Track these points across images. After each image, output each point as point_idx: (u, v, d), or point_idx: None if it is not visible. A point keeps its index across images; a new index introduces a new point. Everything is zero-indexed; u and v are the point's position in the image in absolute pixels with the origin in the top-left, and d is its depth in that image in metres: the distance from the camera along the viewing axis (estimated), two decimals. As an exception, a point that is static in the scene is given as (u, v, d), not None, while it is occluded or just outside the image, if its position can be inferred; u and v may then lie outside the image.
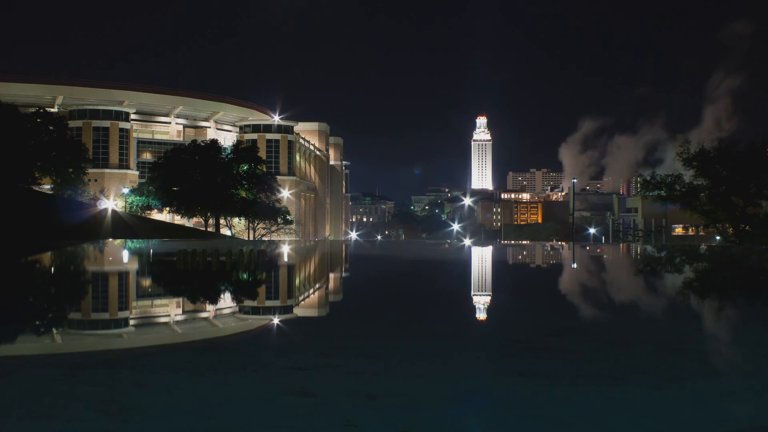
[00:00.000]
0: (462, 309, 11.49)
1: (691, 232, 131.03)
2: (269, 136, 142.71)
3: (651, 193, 64.58)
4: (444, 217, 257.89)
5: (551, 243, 73.13)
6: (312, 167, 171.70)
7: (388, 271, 22.47)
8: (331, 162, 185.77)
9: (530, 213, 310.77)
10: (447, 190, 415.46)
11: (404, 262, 27.66)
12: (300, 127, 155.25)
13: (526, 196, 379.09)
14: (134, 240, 55.18)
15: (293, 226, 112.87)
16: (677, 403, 5.21)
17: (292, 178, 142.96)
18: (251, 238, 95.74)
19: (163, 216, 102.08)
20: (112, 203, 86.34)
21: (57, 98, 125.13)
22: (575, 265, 26.38)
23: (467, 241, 70.57)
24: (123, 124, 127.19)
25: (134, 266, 25.18)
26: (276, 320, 9.72)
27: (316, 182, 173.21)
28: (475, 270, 23.47)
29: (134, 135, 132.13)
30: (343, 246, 52.15)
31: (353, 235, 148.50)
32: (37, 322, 9.89)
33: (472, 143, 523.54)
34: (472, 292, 14.64)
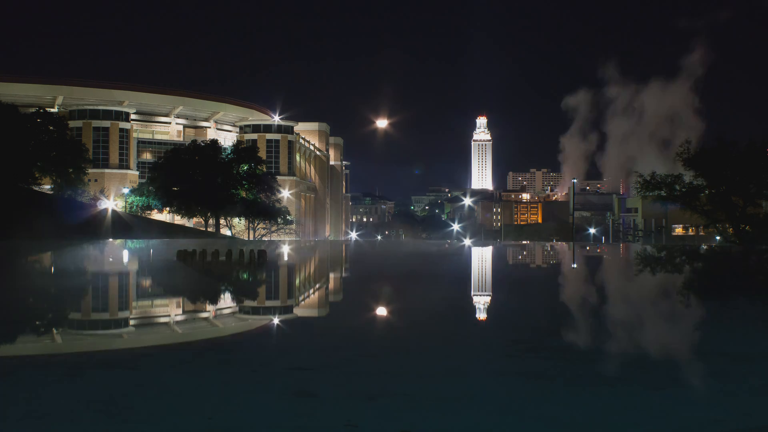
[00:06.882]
0: (462, 309, 11.49)
1: (691, 232, 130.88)
2: (269, 136, 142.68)
3: (651, 193, 64.47)
4: (444, 217, 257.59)
5: (551, 243, 73.10)
6: (312, 167, 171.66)
7: (388, 272, 22.46)
8: (331, 162, 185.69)
9: (530, 213, 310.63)
10: (447, 190, 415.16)
11: (405, 262, 27.64)
12: (300, 127, 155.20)
13: (526, 196, 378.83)
14: (134, 240, 55.17)
15: (293, 226, 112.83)
16: (677, 403, 5.21)
17: (292, 178, 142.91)
18: (251, 238, 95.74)
19: (163, 216, 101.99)
20: (112, 203, 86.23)
21: (57, 98, 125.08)
22: (575, 266, 26.39)
23: (467, 242, 70.55)
24: (123, 124, 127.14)
25: (134, 267, 25.18)
26: (276, 320, 9.72)
27: (316, 182, 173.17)
28: (475, 270, 23.47)
29: (134, 135, 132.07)
30: (343, 246, 52.15)
31: (353, 235, 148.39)
32: (37, 322, 9.89)
33: (472, 143, 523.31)
34: (472, 293, 14.64)
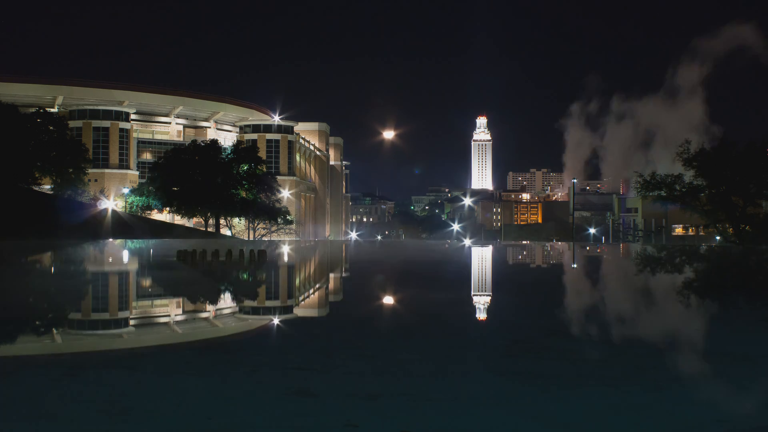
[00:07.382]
0: (462, 309, 11.48)
1: (691, 232, 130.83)
2: (269, 136, 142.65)
3: (651, 193, 64.45)
4: (444, 217, 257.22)
5: (551, 243, 73.09)
6: (312, 167, 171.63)
7: (388, 272, 22.45)
8: (331, 162, 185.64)
9: (530, 213, 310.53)
10: (447, 190, 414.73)
11: (404, 262, 27.64)
12: (300, 127, 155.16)
13: (526, 196, 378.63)
14: (134, 240, 55.16)
15: (293, 226, 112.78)
16: (677, 403, 5.20)
17: (292, 178, 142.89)
18: (251, 238, 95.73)
19: (163, 216, 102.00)
20: (112, 203, 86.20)
21: (57, 98, 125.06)
22: (575, 266, 26.39)
23: (467, 242, 70.53)
24: (123, 124, 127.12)
25: (134, 267, 25.18)
26: (276, 320, 9.71)
27: (316, 182, 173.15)
28: (475, 270, 23.46)
29: (134, 135, 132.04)
30: (343, 246, 52.15)
31: (353, 235, 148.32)
32: (37, 322, 9.89)
33: (472, 143, 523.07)
34: (472, 292, 14.64)
